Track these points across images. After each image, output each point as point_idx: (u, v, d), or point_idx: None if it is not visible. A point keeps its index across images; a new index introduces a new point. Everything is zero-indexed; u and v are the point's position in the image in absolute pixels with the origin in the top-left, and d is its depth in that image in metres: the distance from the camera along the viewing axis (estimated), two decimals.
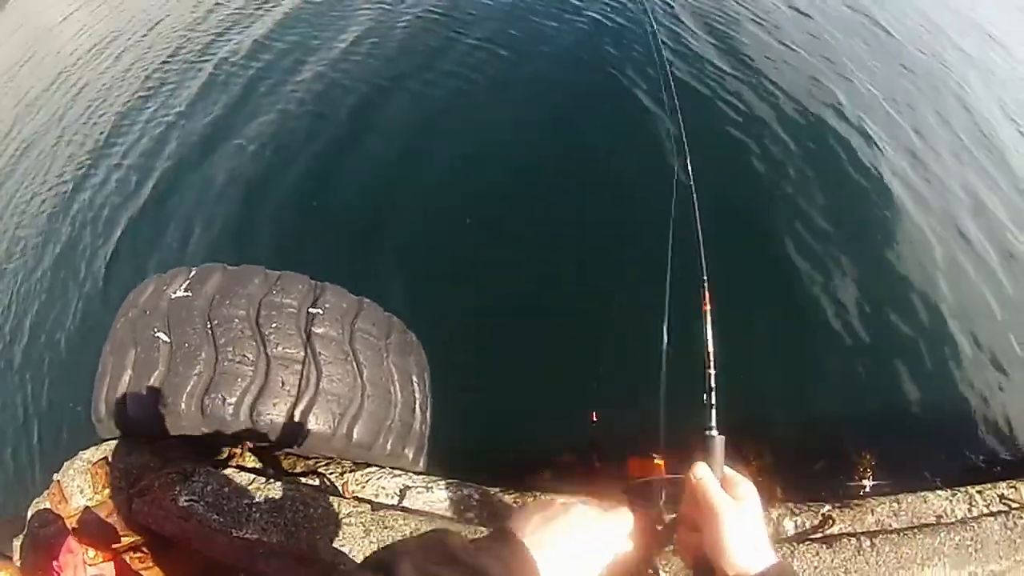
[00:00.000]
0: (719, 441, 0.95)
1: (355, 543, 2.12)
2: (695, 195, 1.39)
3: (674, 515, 0.98)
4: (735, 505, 0.85)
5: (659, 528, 1.00)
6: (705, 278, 1.18)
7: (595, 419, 2.91)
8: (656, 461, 1.02)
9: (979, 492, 2.48)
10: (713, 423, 0.99)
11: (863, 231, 4.13)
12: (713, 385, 1.04)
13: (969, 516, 2.41)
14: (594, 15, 6.14)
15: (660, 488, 1.00)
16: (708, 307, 1.14)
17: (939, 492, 2.37)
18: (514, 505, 2.21)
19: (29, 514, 2.27)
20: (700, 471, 0.88)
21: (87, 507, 2.26)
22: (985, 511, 2.43)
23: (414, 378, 2.44)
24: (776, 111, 5.01)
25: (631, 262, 3.57)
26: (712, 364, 1.07)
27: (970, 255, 4.18)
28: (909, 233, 4.24)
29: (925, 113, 5.75)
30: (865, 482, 2.73)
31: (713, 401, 1.02)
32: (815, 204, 4.21)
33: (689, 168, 1.61)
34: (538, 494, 2.23)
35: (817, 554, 2.14)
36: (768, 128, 4.81)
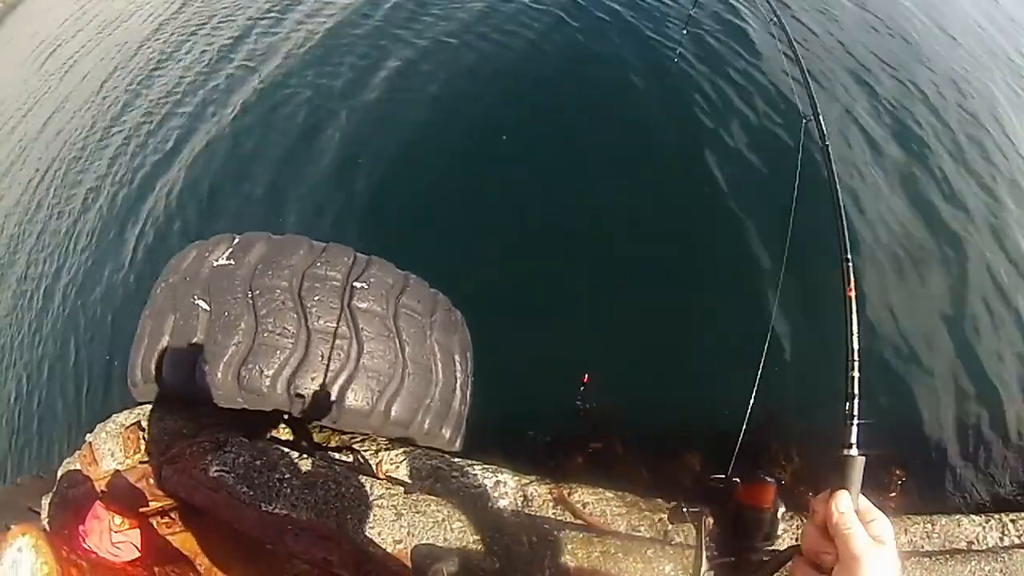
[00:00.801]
0: (859, 463, 0.78)
1: (386, 525, 2.09)
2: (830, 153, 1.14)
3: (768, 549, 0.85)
4: (878, 550, 0.71)
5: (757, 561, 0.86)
6: (848, 257, 0.97)
7: (586, 380, 2.90)
8: (769, 490, 0.88)
9: (1012, 521, 2.46)
10: (854, 440, 0.82)
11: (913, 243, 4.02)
12: (856, 391, 0.86)
13: (1000, 545, 2.40)
14: None
15: (772, 519, 0.86)
16: (852, 292, 0.93)
17: (973, 517, 2.36)
18: (548, 496, 2.20)
19: (59, 474, 2.25)
20: (844, 503, 0.74)
21: (117, 471, 2.24)
22: (1016, 541, 2.42)
23: (456, 357, 2.42)
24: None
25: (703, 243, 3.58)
26: (856, 366, 0.88)
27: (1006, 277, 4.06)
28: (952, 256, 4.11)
29: None
30: (893, 495, 2.70)
31: (855, 412, 0.85)
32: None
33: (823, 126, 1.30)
34: (573, 486, 2.21)
35: None
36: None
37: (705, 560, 0.86)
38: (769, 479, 0.87)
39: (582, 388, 2.90)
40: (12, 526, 1.92)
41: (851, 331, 0.90)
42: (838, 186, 1.08)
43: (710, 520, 0.89)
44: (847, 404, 0.86)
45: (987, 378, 3.41)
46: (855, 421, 0.84)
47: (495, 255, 3.58)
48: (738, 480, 0.87)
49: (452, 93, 4.93)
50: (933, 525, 2.32)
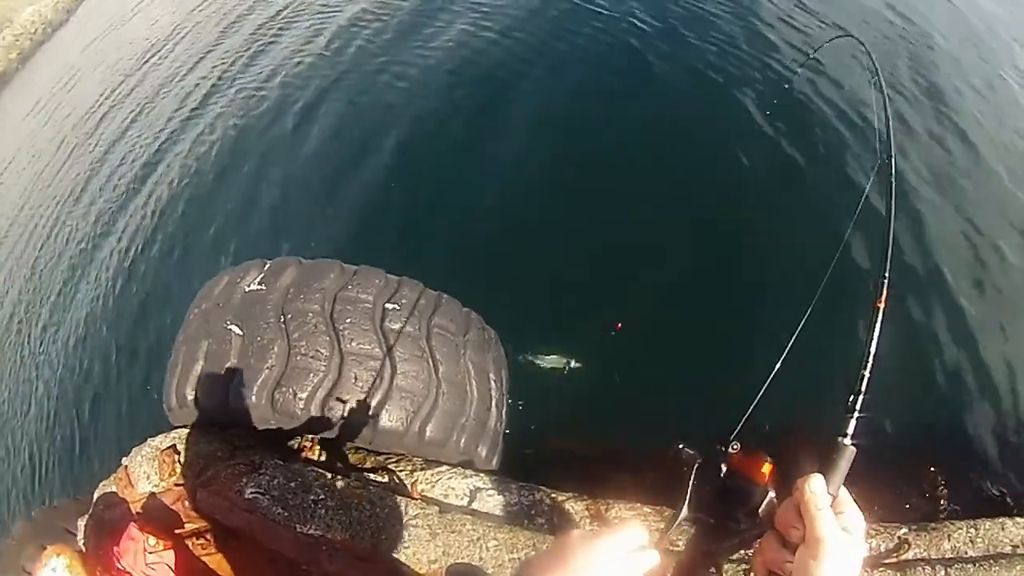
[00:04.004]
0: (849, 453, 0.82)
1: (420, 545, 2.09)
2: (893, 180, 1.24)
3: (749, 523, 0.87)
4: (844, 539, 0.73)
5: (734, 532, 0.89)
6: (887, 276, 1.06)
7: (619, 328, 2.99)
8: (765, 467, 0.89)
9: None
10: (850, 431, 0.86)
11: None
12: (863, 389, 0.91)
13: None
14: None
15: (761, 496, 0.87)
16: (882, 304, 1.03)
17: (1018, 519, 2.31)
18: (585, 512, 2.19)
19: (95, 496, 2.27)
20: (816, 485, 0.76)
21: (152, 493, 2.25)
22: None
23: (491, 375, 2.43)
24: None
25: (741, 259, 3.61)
26: (868, 366, 0.93)
27: None
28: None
29: None
30: (942, 501, 2.65)
31: (858, 407, 0.89)
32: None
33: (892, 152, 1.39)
34: (609, 501, 2.20)
35: None
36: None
37: (686, 508, 0.89)
38: (768, 457, 0.89)
39: (612, 333, 3.03)
40: (47, 546, 1.94)
41: (873, 336, 0.98)
42: (893, 212, 1.20)
43: (702, 471, 0.90)
44: (851, 398, 0.91)
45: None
46: (856, 414, 0.88)
47: (527, 273, 3.60)
48: (738, 446, 0.90)
49: (490, 111, 4.98)
50: (977, 529, 2.28)
